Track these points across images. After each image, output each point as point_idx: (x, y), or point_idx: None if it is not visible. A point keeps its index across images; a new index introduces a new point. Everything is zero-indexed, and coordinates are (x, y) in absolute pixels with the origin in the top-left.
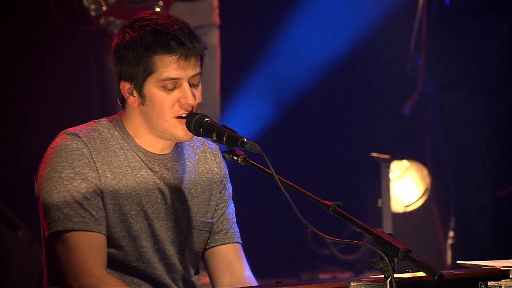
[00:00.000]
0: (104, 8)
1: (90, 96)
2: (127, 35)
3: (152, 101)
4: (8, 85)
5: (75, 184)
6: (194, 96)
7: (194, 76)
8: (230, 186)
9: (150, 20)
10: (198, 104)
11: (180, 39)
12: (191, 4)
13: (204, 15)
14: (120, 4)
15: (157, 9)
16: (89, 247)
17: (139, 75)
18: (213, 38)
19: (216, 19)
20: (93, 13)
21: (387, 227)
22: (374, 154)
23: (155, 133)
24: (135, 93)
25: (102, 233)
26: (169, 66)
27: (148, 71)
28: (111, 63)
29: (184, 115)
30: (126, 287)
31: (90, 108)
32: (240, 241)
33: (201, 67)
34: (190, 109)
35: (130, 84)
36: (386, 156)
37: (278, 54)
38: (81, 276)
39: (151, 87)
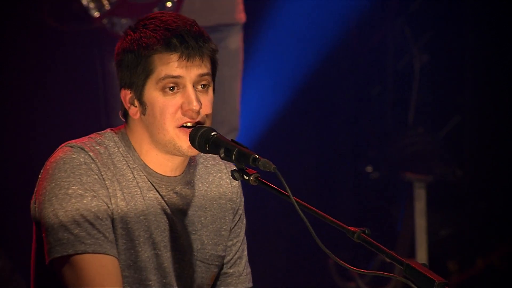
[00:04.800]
0: (107, 7)
1: (96, 105)
2: (128, 36)
3: (152, 108)
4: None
5: (85, 201)
6: (199, 101)
7: (201, 76)
8: (245, 217)
9: (155, 18)
10: (207, 115)
11: (182, 36)
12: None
13: (225, 12)
14: (125, 2)
15: (168, 4)
16: (105, 272)
17: (139, 78)
18: (234, 43)
19: (240, 17)
20: (95, 14)
21: (421, 256)
22: (408, 174)
23: (160, 148)
24: (136, 102)
25: (116, 257)
26: (169, 64)
27: (147, 72)
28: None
29: (189, 124)
30: None
31: (96, 118)
32: (252, 285)
33: (213, 71)
34: (195, 117)
35: (131, 92)
36: (421, 176)
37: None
38: None
39: (151, 91)
